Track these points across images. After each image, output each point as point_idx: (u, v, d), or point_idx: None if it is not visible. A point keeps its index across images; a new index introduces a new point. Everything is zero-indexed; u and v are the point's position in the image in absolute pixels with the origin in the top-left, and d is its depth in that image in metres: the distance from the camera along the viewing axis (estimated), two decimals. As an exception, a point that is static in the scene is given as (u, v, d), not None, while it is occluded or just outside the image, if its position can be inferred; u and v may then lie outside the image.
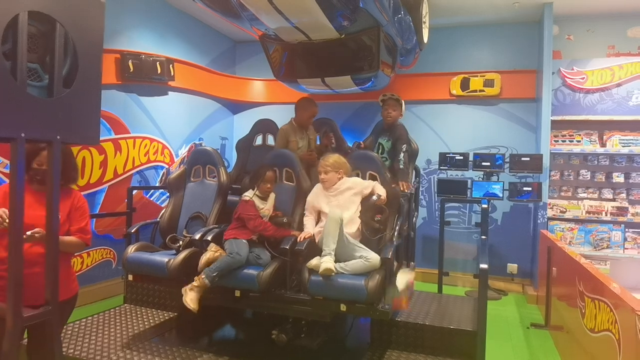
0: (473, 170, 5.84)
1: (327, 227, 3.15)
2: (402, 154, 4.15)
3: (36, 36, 1.74)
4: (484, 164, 5.77)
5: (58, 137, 1.82)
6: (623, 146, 5.55)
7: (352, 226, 3.37)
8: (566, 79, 5.79)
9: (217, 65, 7.11)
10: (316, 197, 3.56)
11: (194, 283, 3.17)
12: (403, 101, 4.59)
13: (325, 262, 3.03)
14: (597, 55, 5.86)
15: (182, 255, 3.35)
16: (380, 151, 4.44)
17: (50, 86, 1.79)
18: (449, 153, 5.99)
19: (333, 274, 3.01)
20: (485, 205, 5.41)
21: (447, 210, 6.26)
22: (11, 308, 1.71)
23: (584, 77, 5.73)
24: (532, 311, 5.21)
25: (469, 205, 6.42)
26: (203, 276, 3.17)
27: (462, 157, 5.88)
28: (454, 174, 6.27)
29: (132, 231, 3.71)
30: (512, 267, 6.09)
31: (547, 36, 5.69)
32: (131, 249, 3.49)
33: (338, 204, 3.41)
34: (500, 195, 5.60)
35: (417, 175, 4.62)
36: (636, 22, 5.84)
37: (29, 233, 2.02)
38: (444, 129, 6.57)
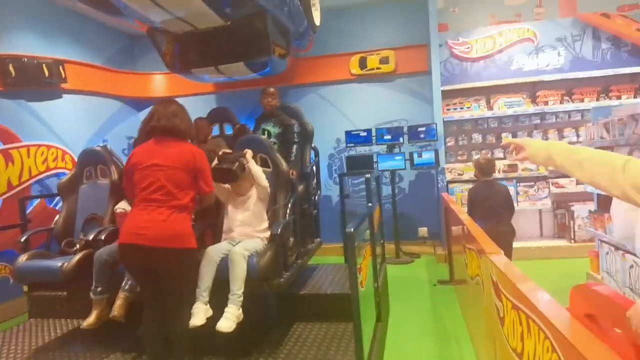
0: (377, 145, 6.18)
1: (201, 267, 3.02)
2: (293, 147, 4.25)
3: None
4: (386, 137, 6.11)
5: None
6: (508, 108, 6.02)
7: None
8: (453, 50, 6.16)
9: (114, 63, 6.88)
10: None
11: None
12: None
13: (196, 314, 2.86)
14: (481, 25, 6.27)
15: (77, 257, 3.30)
16: (267, 137, 4.49)
17: None
18: (353, 130, 6.27)
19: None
20: (368, 176, 5.69)
21: (358, 186, 6.59)
22: None
23: (469, 47, 6.12)
24: (440, 270, 5.57)
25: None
26: None
27: (366, 133, 6.18)
28: (361, 150, 6.54)
29: (22, 240, 3.58)
30: (423, 231, 6.47)
31: (432, 10, 6.02)
32: (22, 259, 3.38)
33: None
34: (403, 166, 5.96)
35: (316, 155, 4.77)
36: (510, -10, 6.32)
37: None
38: (349, 108, 6.80)
